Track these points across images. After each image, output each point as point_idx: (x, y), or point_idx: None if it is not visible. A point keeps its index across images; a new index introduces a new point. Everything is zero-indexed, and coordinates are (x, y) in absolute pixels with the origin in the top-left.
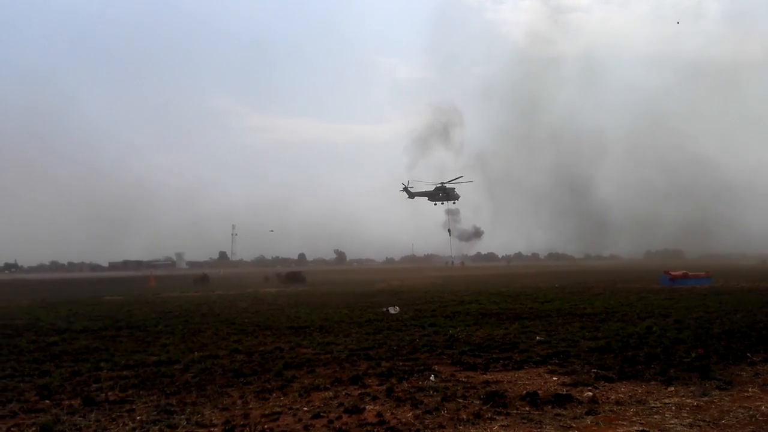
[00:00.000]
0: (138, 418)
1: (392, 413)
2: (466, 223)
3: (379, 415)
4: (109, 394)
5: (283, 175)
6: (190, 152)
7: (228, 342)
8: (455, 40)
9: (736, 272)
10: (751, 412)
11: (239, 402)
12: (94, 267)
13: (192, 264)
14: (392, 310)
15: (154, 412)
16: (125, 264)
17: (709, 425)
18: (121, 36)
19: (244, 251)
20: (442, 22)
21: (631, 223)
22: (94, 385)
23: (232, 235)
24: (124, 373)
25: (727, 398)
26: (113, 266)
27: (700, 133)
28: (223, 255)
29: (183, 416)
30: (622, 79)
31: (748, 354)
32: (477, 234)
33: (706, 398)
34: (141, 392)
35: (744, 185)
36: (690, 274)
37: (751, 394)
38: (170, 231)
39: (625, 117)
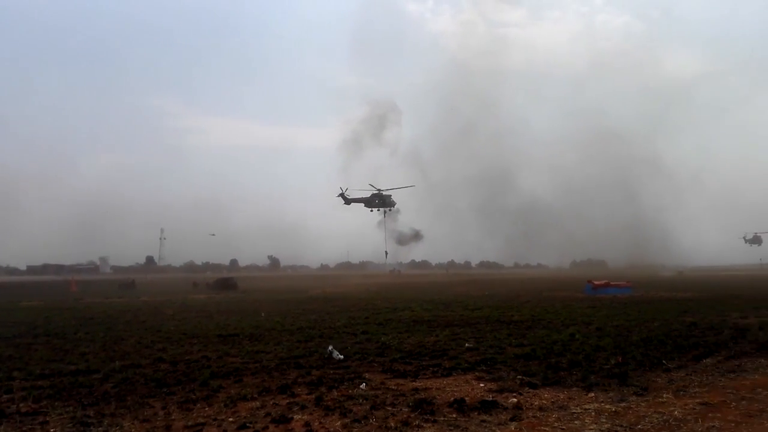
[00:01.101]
0: (51, 430)
1: (320, 423)
2: (404, 224)
3: (306, 424)
4: (21, 405)
5: (216, 177)
6: (119, 152)
7: (152, 350)
8: (394, 49)
9: (655, 282)
10: (665, 417)
11: (161, 413)
12: (11, 270)
13: (117, 269)
14: (335, 354)
15: (70, 425)
16: (45, 268)
17: (625, 430)
18: (48, 30)
19: (172, 256)
20: (381, 30)
21: (560, 234)
22: (5, 396)
23: (160, 239)
24: (39, 383)
25: (643, 404)
26: (32, 270)
27: (633, 145)
28: (150, 260)
29: (100, 428)
30: (557, 93)
31: (664, 361)
32: (416, 237)
33: (623, 404)
34: (56, 403)
35: (675, 198)
36: (612, 283)
37: (665, 399)
38: (94, 234)
39: (558, 131)
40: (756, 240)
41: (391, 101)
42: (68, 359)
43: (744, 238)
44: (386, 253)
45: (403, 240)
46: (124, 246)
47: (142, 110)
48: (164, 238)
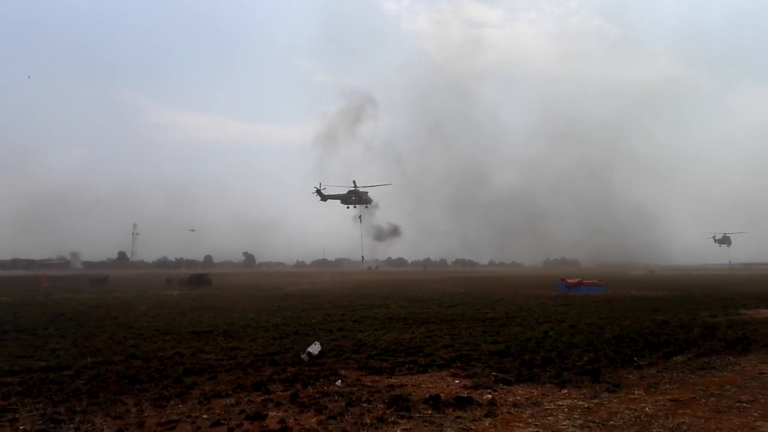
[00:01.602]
0: (21, 428)
1: (295, 419)
2: (382, 220)
3: (282, 421)
4: None
5: (191, 173)
6: (91, 147)
7: (124, 347)
8: (371, 47)
9: (627, 281)
10: (636, 413)
11: (134, 410)
12: None
13: (88, 264)
14: (312, 349)
15: (40, 421)
16: (14, 262)
17: (598, 426)
18: (21, 24)
19: (145, 252)
20: (359, 28)
21: (535, 232)
22: None
23: (132, 234)
24: (8, 379)
25: (615, 400)
26: (1, 264)
27: (608, 146)
28: (122, 255)
29: (71, 425)
30: (533, 93)
31: (635, 358)
32: (395, 232)
33: (596, 400)
34: (26, 400)
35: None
36: (585, 281)
37: (636, 396)
38: (65, 229)
39: (534, 131)
40: (725, 240)
41: (368, 93)
42: (38, 355)
43: (713, 238)
44: (362, 257)
45: (381, 236)
46: (96, 241)
47: (115, 105)
48: (137, 234)
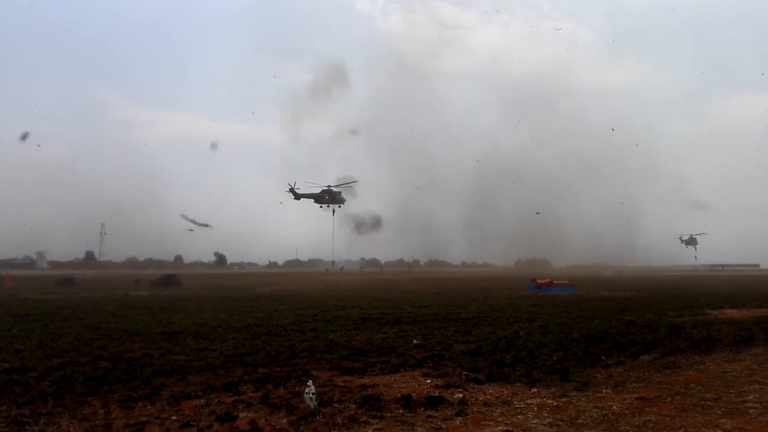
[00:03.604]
0: None
1: (266, 420)
2: (361, 209)
3: (252, 422)
4: None
5: (161, 172)
6: (58, 143)
7: (91, 348)
8: (343, 46)
9: (596, 282)
10: (604, 412)
11: (101, 412)
12: None
13: (55, 264)
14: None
15: (4, 424)
16: None
17: (566, 424)
18: None
19: (113, 251)
20: (331, 27)
21: (506, 233)
22: None
23: (100, 233)
24: None
25: (583, 399)
26: None
27: (582, 148)
28: (90, 255)
29: (36, 427)
30: (502, 94)
31: (603, 357)
32: (377, 224)
33: (564, 399)
34: None
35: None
36: (555, 282)
37: (604, 394)
38: (31, 227)
39: (508, 133)
40: (692, 241)
41: (338, 66)
42: (2, 357)
43: (680, 238)
44: (330, 265)
45: (362, 228)
46: (62, 240)
47: (82, 101)
48: (105, 233)
